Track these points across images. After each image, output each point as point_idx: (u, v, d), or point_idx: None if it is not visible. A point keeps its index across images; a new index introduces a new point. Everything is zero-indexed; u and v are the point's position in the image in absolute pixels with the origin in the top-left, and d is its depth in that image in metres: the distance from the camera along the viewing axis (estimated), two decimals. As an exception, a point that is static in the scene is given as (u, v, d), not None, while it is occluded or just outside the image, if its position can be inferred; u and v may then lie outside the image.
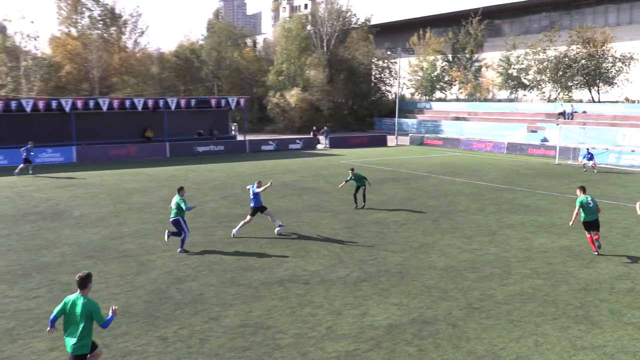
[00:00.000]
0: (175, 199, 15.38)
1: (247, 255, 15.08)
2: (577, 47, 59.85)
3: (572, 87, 60.55)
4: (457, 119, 62.82)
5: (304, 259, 14.75)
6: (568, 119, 52.25)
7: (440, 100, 73.70)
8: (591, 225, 14.99)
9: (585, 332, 10.25)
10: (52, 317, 7.68)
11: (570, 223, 15.34)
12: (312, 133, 51.05)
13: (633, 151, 40.05)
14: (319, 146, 49.13)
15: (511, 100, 66.86)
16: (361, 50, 70.41)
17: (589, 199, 14.99)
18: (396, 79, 67.71)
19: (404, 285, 12.72)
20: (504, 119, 58.31)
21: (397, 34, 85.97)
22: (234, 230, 16.95)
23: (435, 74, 72.16)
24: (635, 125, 45.74)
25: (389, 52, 57.66)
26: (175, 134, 44.09)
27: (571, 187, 27.12)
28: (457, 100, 72.80)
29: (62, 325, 7.56)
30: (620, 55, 58.52)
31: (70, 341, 7.36)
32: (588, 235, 15.28)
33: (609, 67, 59.19)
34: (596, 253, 15.18)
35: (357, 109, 74.17)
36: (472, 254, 15.18)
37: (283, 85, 64.45)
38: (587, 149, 35.02)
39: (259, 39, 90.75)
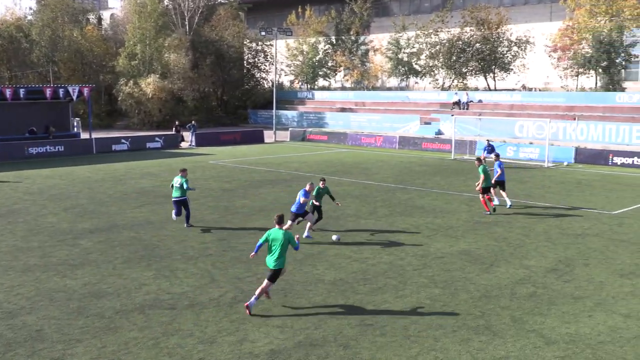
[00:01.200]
0: (179, 179, 19.42)
1: (97, 278, 14.54)
2: (470, 30, 63.70)
3: (467, 74, 64.33)
4: (343, 110, 64.48)
5: (168, 279, 14.48)
6: (463, 109, 55.43)
7: (323, 88, 75.28)
8: (487, 189, 21.79)
9: (487, 343, 10.97)
10: (258, 244, 12.56)
11: (478, 188, 22.09)
12: (174, 129, 50.12)
13: (531, 143, 43.32)
14: (184, 144, 48.37)
15: (402, 89, 69.77)
16: (230, 31, 70.21)
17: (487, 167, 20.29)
18: (272, 64, 68.31)
19: (287, 303, 12.88)
20: (395, 109, 60.68)
21: (272, 12, 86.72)
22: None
23: (317, 58, 73.60)
24: (532, 116, 49.48)
25: (263, 33, 57.92)
26: (0, 132, 41.48)
27: (469, 185, 28.81)
28: (343, 88, 74.73)
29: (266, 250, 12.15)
30: (516, 39, 63.05)
31: (271, 260, 12.28)
32: (482, 199, 21.85)
33: (505, 52, 63.56)
34: (487, 213, 21.73)
35: (227, 100, 73.84)
36: (363, 264, 15.70)
37: (137, 71, 62.63)
38: (488, 140, 37.26)
39: (105, 15, 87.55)
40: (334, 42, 75.99)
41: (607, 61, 53.94)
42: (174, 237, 18.45)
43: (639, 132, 42.80)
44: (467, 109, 55.40)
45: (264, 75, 75.78)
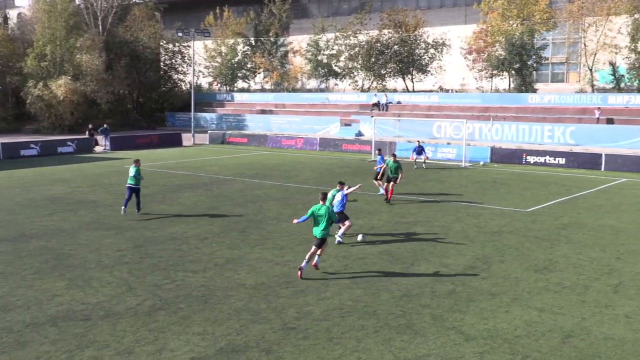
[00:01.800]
0: (133, 169, 21.62)
1: (4, 291, 13.90)
2: (389, 32, 64.86)
3: (386, 76, 65.43)
4: (263, 112, 64.38)
5: (82, 289, 14.01)
6: (383, 110, 56.33)
7: (243, 90, 74.89)
8: (390, 179, 24.75)
9: (408, 342, 11.15)
10: (304, 218, 15.24)
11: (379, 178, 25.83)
12: (87, 132, 48.65)
13: (449, 144, 44.47)
14: (97, 148, 47.00)
15: (322, 90, 70.27)
16: (146, 31, 68.81)
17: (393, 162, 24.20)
18: (190, 65, 67.36)
19: (208, 310, 12.70)
20: (315, 111, 61.02)
21: (189, 12, 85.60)
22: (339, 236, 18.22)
23: (236, 60, 73.17)
24: (449, 117, 50.81)
25: (180, 34, 57.07)
26: None
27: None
28: (263, 90, 74.58)
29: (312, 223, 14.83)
30: (433, 41, 64.62)
31: (318, 231, 14.94)
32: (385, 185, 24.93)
33: (422, 54, 65.01)
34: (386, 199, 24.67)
35: (144, 103, 72.32)
36: (285, 267, 15.67)
37: (47, 73, 60.40)
38: (419, 141, 37.96)
39: (12, 14, 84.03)
40: (253, 44, 75.74)
41: (519, 63, 56.05)
42: (88, 246, 17.88)
43: (550, 131, 44.69)
44: (386, 110, 56.33)
45: (181, 77, 74.64)
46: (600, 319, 12.24)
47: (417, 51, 64.50)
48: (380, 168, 26.70)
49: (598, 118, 45.42)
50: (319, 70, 68.89)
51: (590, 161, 36.70)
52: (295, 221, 15.61)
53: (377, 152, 28.08)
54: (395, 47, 63.11)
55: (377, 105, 57.19)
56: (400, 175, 24.70)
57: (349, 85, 69.01)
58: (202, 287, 14.05)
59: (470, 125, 46.13)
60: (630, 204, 24.88)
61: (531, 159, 38.70)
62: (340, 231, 18.34)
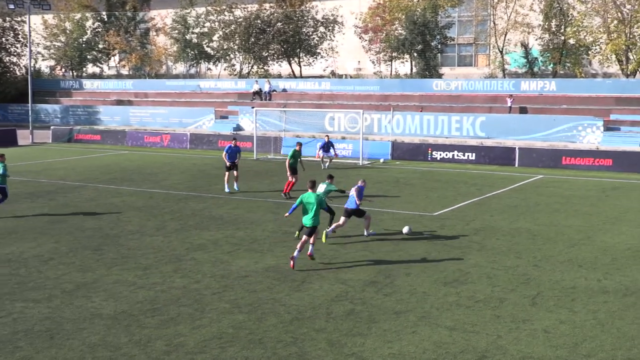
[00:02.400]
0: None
1: None
2: (271, 6, 65.17)
3: (269, 59, 65.71)
4: (120, 102, 63.07)
5: None
6: (265, 99, 56.52)
7: (94, 77, 73.05)
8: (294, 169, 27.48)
9: (301, 374, 11.22)
10: (293, 207, 17.95)
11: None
12: None
13: (344, 138, 45.24)
14: None
15: (192, 76, 69.74)
16: (-34, 2, 65.63)
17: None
18: (26, 46, 64.81)
19: (55, 348, 12.28)
20: (185, 101, 60.47)
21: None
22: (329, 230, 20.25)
23: (84, 39, 71.17)
24: (344, 107, 51.73)
25: (12, 6, 54.77)
26: None
27: (276, 188, 29.38)
28: (119, 76, 73.07)
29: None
30: (323, 18, 65.54)
31: (308, 219, 17.10)
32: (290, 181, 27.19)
33: (311, 33, 65.77)
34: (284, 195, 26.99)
35: (-35, 92, 68.91)
36: (151, 291, 15.40)
37: None
38: (327, 135, 38.35)
39: None
40: (106, 19, 73.91)
41: (422, 44, 57.80)
42: None
43: (458, 122, 46.42)
44: (269, 99, 56.55)
45: (14, 59, 71.70)
46: (517, 335, 12.82)
47: (304, 30, 65.22)
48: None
49: (510, 107, 47.64)
50: (187, 52, 68.23)
51: (502, 156, 38.41)
52: (286, 215, 18.88)
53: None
54: (279, 24, 63.52)
55: (258, 93, 57.32)
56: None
57: (225, 70, 68.81)
58: (46, 320, 13.55)
59: (368, 117, 47.16)
60: (547, 204, 26.24)
61: (437, 154, 40.05)
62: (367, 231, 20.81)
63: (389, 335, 12.84)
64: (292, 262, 16.92)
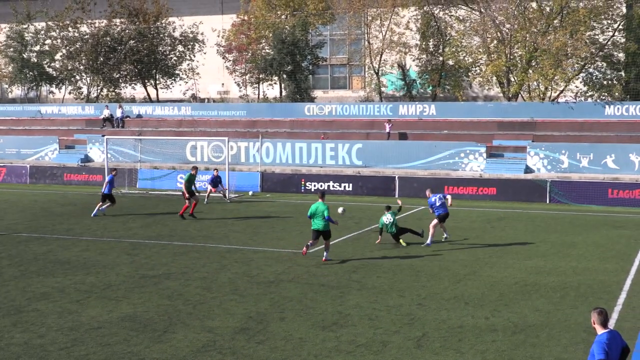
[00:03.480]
0: None
1: None
2: (122, 22, 64.41)
3: (120, 81, 64.79)
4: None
5: None
6: (118, 126, 55.64)
7: None
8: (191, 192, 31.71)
9: None
10: (308, 214, 22.93)
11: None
12: None
13: (207, 169, 44.94)
14: None
15: (31, 101, 67.69)
16: None
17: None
18: None
19: None
20: (23, 129, 58.66)
21: None
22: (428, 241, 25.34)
23: None
24: (207, 134, 51.47)
25: None
26: None
27: (130, 228, 28.87)
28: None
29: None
30: (181, 35, 65.33)
31: (317, 224, 22.55)
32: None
33: (168, 52, 65.39)
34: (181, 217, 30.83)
35: None
36: (-14, 350, 14.74)
37: None
38: (216, 169, 38.10)
39: None
40: None
41: (291, 65, 58.49)
42: None
43: (333, 150, 47.07)
44: (122, 126, 55.69)
45: None
46: (403, 381, 13.05)
47: (160, 48, 64.73)
48: None
49: (389, 133, 48.77)
50: (25, 73, 66.17)
51: (381, 186, 39.34)
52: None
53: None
54: (132, 42, 62.81)
55: (109, 120, 56.33)
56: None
57: (70, 93, 67.22)
58: None
59: (234, 145, 47.15)
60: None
61: (311, 185, 40.49)
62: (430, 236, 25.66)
63: (263, 387, 12.79)
64: (305, 249, 22.91)
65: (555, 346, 14.62)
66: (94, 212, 32.57)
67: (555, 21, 51.01)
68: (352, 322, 16.47)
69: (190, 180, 32.37)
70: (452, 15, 57.54)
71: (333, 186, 40.17)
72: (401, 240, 25.47)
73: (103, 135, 48.26)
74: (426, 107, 51.88)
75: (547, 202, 36.97)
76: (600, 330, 9.63)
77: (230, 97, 69.08)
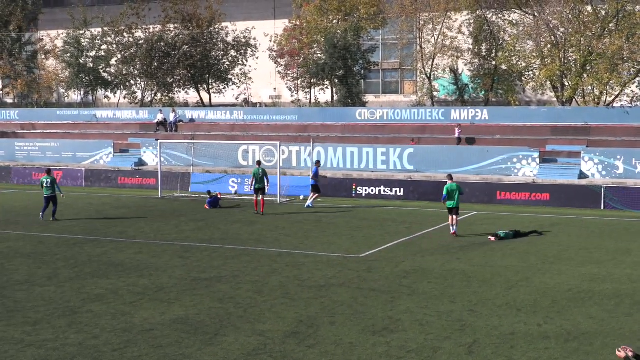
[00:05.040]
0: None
1: None
2: (175, 27, 65.00)
3: (174, 85, 65.36)
4: (4, 135, 61.58)
5: None
6: (171, 130, 56.14)
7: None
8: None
9: None
10: (443, 196, 28.73)
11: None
12: None
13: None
14: None
15: (87, 105, 68.74)
16: None
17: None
18: None
19: None
20: (79, 133, 59.51)
21: None
22: None
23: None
24: (259, 138, 51.79)
25: None
26: None
27: (182, 231, 29.13)
28: (2, 105, 71.54)
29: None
30: (234, 40, 65.70)
31: (452, 204, 28.51)
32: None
33: (221, 57, 65.81)
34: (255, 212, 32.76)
35: None
36: (42, 349, 14.99)
37: None
38: (318, 161, 39.18)
39: None
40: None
41: (343, 69, 58.45)
42: None
43: (384, 155, 46.96)
44: (175, 130, 56.20)
45: None
46: (454, 388, 12.96)
47: (213, 53, 65.19)
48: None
49: (459, 137, 48.19)
50: (81, 78, 67.21)
51: (433, 191, 39.04)
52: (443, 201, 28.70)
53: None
54: (185, 47, 63.36)
55: (163, 124, 56.88)
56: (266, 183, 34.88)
57: (125, 98, 68.08)
58: None
59: (285, 149, 47.29)
60: (482, 243, 26.75)
61: (362, 190, 40.45)
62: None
63: (313, 391, 12.79)
64: (454, 234, 28.09)
65: (610, 355, 14.38)
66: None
67: (610, 25, 50.26)
68: (403, 327, 16.40)
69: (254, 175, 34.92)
70: (505, 19, 57.09)
71: (384, 191, 40.05)
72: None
73: (157, 139, 48.77)
74: (478, 112, 51.46)
75: (602, 208, 36.40)
76: None
77: (282, 102, 69.29)
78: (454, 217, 28.50)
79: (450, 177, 29.76)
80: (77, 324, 16.75)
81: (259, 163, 36.73)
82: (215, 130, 55.66)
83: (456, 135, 48.31)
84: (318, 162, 38.37)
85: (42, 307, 18.19)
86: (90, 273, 21.92)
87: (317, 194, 37.12)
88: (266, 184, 34.83)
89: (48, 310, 17.85)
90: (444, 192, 28.75)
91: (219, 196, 37.51)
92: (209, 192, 38.01)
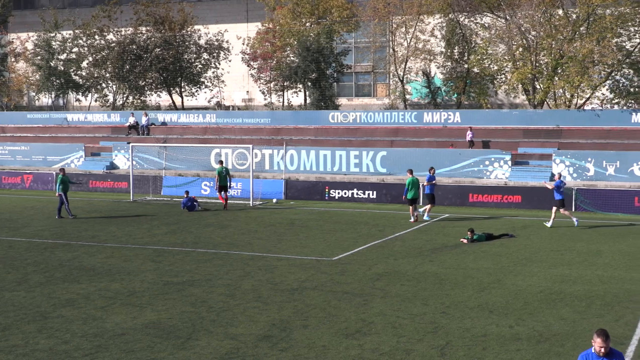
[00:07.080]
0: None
1: None
2: (147, 30, 64.82)
3: (146, 88, 65.14)
4: (-28, 138, 60.97)
5: None
6: (143, 134, 55.92)
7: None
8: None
9: None
10: (405, 190, 32.96)
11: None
12: None
13: (232, 176, 45.09)
14: None
15: (58, 108, 68.28)
16: None
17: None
18: None
19: None
20: (50, 136, 59.09)
21: None
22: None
23: None
24: (232, 142, 51.63)
25: None
26: None
27: (154, 235, 29.00)
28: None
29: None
30: (206, 43, 65.60)
31: (412, 194, 33.17)
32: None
33: (193, 60, 65.69)
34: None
35: None
36: (11, 355, 14.86)
37: None
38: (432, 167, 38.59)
39: None
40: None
41: (316, 72, 58.57)
42: None
43: (357, 158, 47.03)
44: (147, 134, 55.98)
45: None
46: (426, 390, 13.00)
47: (186, 56, 65.04)
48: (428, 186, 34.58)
49: (472, 141, 48.12)
50: (52, 81, 66.77)
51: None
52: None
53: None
54: (157, 50, 63.15)
55: (134, 127, 56.65)
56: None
57: (96, 101, 67.73)
58: None
59: (258, 152, 47.26)
60: (454, 246, 26.87)
61: (335, 193, 40.50)
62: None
63: (285, 395, 12.78)
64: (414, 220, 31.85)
65: (581, 356, 14.52)
66: None
67: (581, 28, 50.69)
68: (376, 330, 16.43)
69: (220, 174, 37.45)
70: (477, 23, 57.50)
71: (357, 194, 40.12)
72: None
73: (128, 143, 48.51)
74: (451, 115, 51.67)
75: (573, 210, 36.68)
76: None
77: (254, 105, 69.28)
78: (414, 206, 33.10)
79: (410, 171, 33.62)
80: (47, 329, 16.62)
81: (221, 162, 38.66)
82: (188, 134, 55.49)
83: (468, 138, 48.13)
84: (432, 169, 35.61)
85: (12, 312, 18.02)
86: (61, 277, 21.76)
87: (431, 205, 34.51)
88: (229, 182, 38.17)
89: (17, 316, 17.69)
90: (406, 186, 32.70)
91: (196, 201, 37.27)
92: (186, 193, 37.76)
